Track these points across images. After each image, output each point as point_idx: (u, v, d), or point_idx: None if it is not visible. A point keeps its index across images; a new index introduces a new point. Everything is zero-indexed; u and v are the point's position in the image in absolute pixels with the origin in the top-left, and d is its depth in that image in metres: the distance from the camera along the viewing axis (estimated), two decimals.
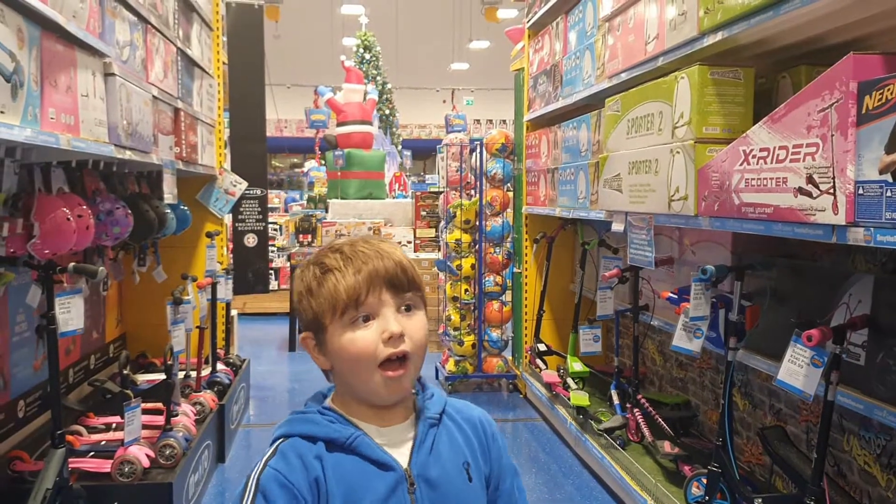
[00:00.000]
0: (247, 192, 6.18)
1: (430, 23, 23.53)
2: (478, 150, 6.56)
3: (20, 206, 3.00)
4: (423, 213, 9.34)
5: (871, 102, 2.06)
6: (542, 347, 6.08)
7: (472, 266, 6.54)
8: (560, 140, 5.25)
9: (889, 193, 1.99)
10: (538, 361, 6.02)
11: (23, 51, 2.37)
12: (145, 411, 3.99)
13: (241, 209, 6.50)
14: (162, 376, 4.06)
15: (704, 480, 3.33)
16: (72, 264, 3.11)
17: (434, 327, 7.15)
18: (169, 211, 4.44)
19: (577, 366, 5.21)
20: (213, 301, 5.16)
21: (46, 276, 3.03)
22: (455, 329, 6.63)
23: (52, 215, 3.04)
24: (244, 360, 6.02)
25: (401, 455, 1.39)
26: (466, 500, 1.42)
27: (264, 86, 6.81)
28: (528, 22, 6.13)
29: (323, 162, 12.29)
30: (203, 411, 4.55)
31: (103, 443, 3.84)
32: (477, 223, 6.57)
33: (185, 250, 5.67)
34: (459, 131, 13.62)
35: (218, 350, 5.44)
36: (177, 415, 4.10)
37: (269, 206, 13.07)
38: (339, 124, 10.66)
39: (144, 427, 3.80)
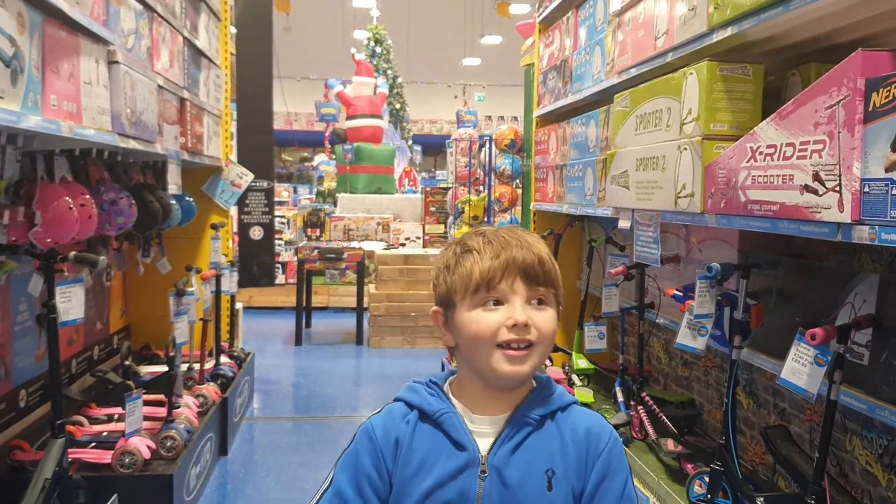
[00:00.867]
0: (253, 184, 6.17)
1: (441, 17, 23.51)
2: (487, 145, 6.54)
3: (22, 193, 2.99)
4: (433, 209, 9.33)
5: (879, 99, 2.03)
6: None
7: None
8: (569, 136, 5.22)
9: (895, 192, 1.96)
10: None
11: (23, 36, 2.36)
12: (147, 403, 3.98)
13: (247, 201, 6.49)
14: (165, 368, 4.05)
15: (707, 479, 3.31)
16: (72, 253, 3.10)
17: None
18: (174, 202, 4.44)
19: (581, 363, 5.18)
20: (218, 293, 5.16)
21: (47, 265, 3.02)
22: None
23: (55, 204, 3.04)
24: (249, 353, 6.02)
25: (484, 442, 1.43)
26: None
27: (272, 77, 6.79)
28: (538, 17, 6.10)
29: (333, 156, 12.29)
30: (206, 404, 4.55)
31: (105, 433, 3.84)
32: (485, 219, 6.54)
33: (190, 242, 5.67)
34: (471, 127, 13.61)
35: (222, 343, 5.44)
36: (179, 407, 4.10)
37: (278, 199, 13.11)
38: (349, 118, 10.67)
39: (146, 418, 3.80)
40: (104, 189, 3.67)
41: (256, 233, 6.57)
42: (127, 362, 3.92)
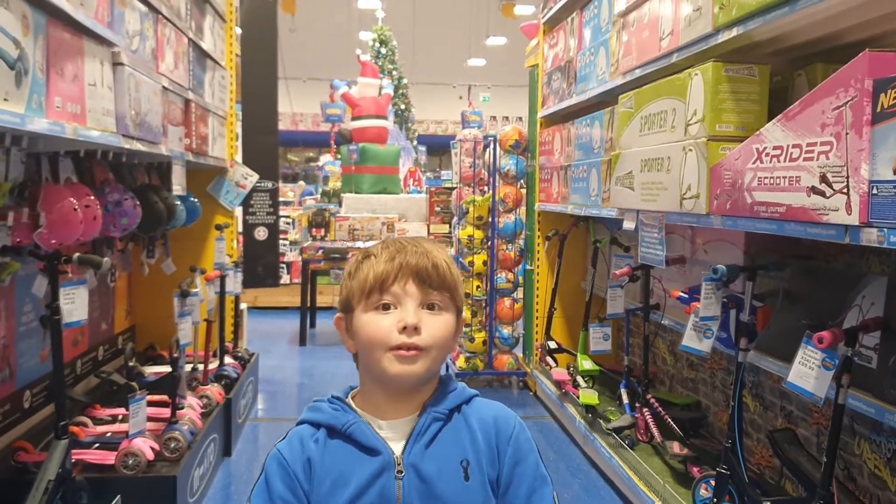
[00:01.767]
0: (258, 184, 6.16)
1: (446, 18, 23.51)
2: (491, 146, 6.52)
3: (26, 195, 2.98)
4: (437, 209, 9.32)
5: (887, 100, 2.01)
6: (552, 345, 6.05)
7: (485, 263, 6.51)
8: (573, 137, 5.21)
9: None
10: (548, 359, 5.98)
11: (28, 38, 2.35)
12: (151, 404, 3.97)
13: (252, 202, 6.48)
14: (169, 369, 4.04)
15: (713, 482, 3.29)
16: (76, 255, 3.09)
17: None
18: (178, 203, 4.43)
19: (587, 364, 5.17)
20: (222, 294, 5.15)
21: (51, 267, 3.01)
22: (466, 325, 6.60)
23: (59, 205, 3.03)
24: (253, 353, 6.01)
25: (397, 445, 1.43)
26: (459, 498, 1.42)
27: (277, 78, 6.78)
28: (543, 17, 6.09)
29: (338, 156, 12.28)
30: (209, 405, 4.54)
31: (108, 434, 3.83)
32: (489, 220, 6.53)
33: (195, 242, 5.66)
34: (476, 127, 13.60)
35: (226, 343, 5.43)
36: (182, 408, 4.09)
37: (284, 199, 13.11)
38: (354, 118, 10.65)
39: (150, 419, 3.79)
40: (109, 190, 3.66)
41: (261, 233, 6.56)
42: (131, 363, 3.91)
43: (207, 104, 5.01)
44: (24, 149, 2.83)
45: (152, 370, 5.03)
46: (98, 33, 2.99)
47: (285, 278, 10.41)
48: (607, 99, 4.59)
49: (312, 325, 8.98)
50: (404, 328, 1.40)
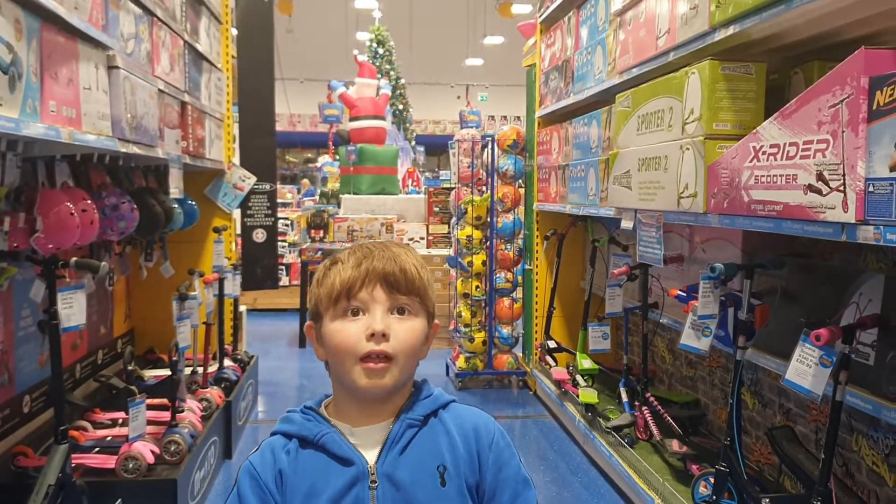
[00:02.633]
0: (256, 186, 6.16)
1: (444, 18, 23.46)
2: (489, 146, 6.52)
3: (23, 199, 2.98)
4: (436, 210, 9.31)
5: (883, 98, 2.01)
6: (552, 344, 6.04)
7: (483, 263, 6.51)
8: (571, 136, 5.21)
9: None
10: (548, 358, 5.98)
11: (21, 42, 2.35)
12: (151, 407, 3.97)
13: (250, 204, 6.47)
14: (169, 372, 4.04)
15: (712, 480, 3.29)
16: (73, 259, 3.09)
17: (445, 324, 7.11)
18: (176, 206, 4.43)
19: (586, 363, 5.16)
20: (221, 297, 5.14)
21: (49, 271, 3.01)
22: (466, 326, 6.60)
23: (56, 210, 3.03)
24: (252, 356, 6.00)
25: (370, 453, 1.41)
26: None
27: (274, 79, 6.77)
28: (540, 17, 6.09)
29: (336, 157, 12.28)
30: (209, 407, 4.54)
31: (108, 438, 3.82)
32: (488, 220, 6.53)
33: (193, 245, 5.66)
34: (474, 127, 13.58)
35: (226, 346, 5.43)
36: (182, 411, 4.08)
37: (283, 201, 13.10)
38: (352, 119, 10.64)
39: (150, 423, 3.79)
40: (106, 194, 3.66)
41: (259, 235, 6.55)
42: (130, 367, 3.91)
43: (204, 106, 5.01)
44: (19, 154, 2.83)
45: (152, 374, 5.03)
46: (92, 36, 2.98)
47: (284, 280, 10.41)
48: (605, 98, 4.59)
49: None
50: (372, 335, 1.37)
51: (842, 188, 2.16)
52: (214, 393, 4.68)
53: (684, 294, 3.56)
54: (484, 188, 6.62)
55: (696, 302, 3.26)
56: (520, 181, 6.61)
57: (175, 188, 4.18)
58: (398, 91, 16.60)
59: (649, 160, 3.52)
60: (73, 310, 3.08)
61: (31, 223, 2.96)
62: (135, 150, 3.44)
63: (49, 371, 3.15)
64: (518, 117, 23.69)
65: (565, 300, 6.19)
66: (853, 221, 2.12)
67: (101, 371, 4.83)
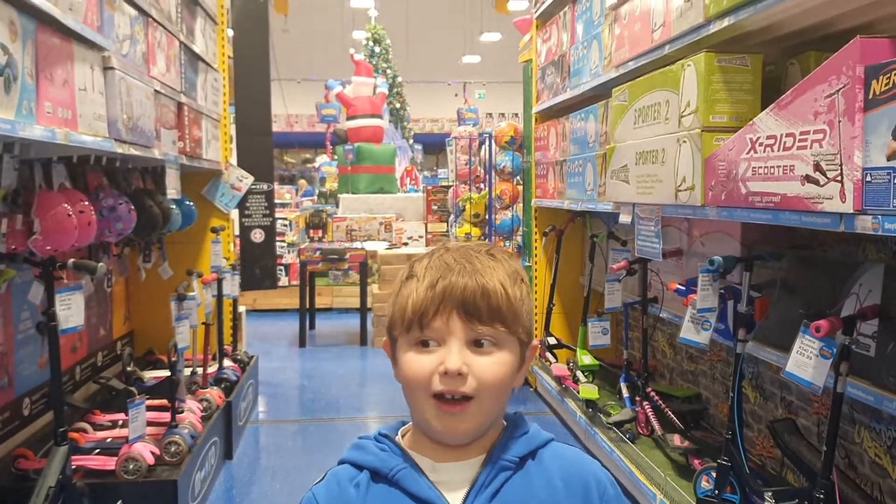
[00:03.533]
0: (253, 186, 6.15)
1: (440, 15, 23.50)
2: (487, 143, 6.52)
3: (20, 201, 2.97)
4: (435, 208, 9.32)
5: (879, 87, 2.01)
6: (551, 341, 6.04)
7: None
8: (568, 132, 5.20)
9: None
10: (548, 355, 5.98)
11: (16, 44, 2.35)
12: (151, 408, 3.97)
13: (248, 204, 6.47)
14: (168, 373, 4.04)
15: (714, 474, 3.29)
16: (71, 260, 3.09)
17: None
18: (173, 206, 4.42)
19: (586, 359, 5.16)
20: (219, 297, 5.14)
21: (47, 273, 3.00)
22: None
23: (53, 212, 3.02)
24: (252, 356, 6.00)
25: (455, 496, 1.21)
26: None
27: (270, 79, 6.77)
28: (536, 12, 6.08)
29: (334, 157, 12.29)
30: (209, 408, 4.53)
31: (108, 440, 3.82)
32: (486, 217, 6.53)
33: (191, 246, 5.65)
34: (472, 125, 13.58)
35: (225, 346, 5.43)
36: (182, 411, 4.08)
37: (281, 201, 13.11)
38: (349, 118, 10.66)
39: (149, 424, 3.79)
40: (103, 195, 3.65)
41: (258, 235, 6.55)
42: (130, 368, 3.90)
43: (200, 107, 5.01)
44: (16, 156, 2.82)
45: (151, 375, 5.02)
46: (88, 38, 2.98)
47: (283, 280, 10.40)
48: (601, 93, 4.59)
49: (312, 326, 8.97)
50: (445, 373, 1.18)
51: (839, 178, 2.16)
52: (214, 393, 4.68)
53: (683, 288, 3.55)
54: (482, 185, 6.62)
55: (696, 295, 3.25)
56: (518, 177, 6.61)
57: (172, 189, 4.18)
58: (395, 89, 16.62)
59: (646, 154, 3.52)
60: (71, 311, 3.07)
61: (28, 225, 2.95)
62: (131, 151, 3.44)
63: (49, 373, 3.14)
64: (516, 114, 23.70)
65: (565, 296, 6.19)
66: (851, 211, 2.12)
67: (101, 373, 4.83)
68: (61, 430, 3.05)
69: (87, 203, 3.24)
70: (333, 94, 11.39)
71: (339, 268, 8.44)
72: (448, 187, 8.44)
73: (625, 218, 3.93)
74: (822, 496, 2.58)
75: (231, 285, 5.45)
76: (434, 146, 23.63)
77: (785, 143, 2.44)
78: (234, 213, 6.35)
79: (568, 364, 5.49)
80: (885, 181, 1.98)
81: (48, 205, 3.02)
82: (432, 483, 1.22)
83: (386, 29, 17.22)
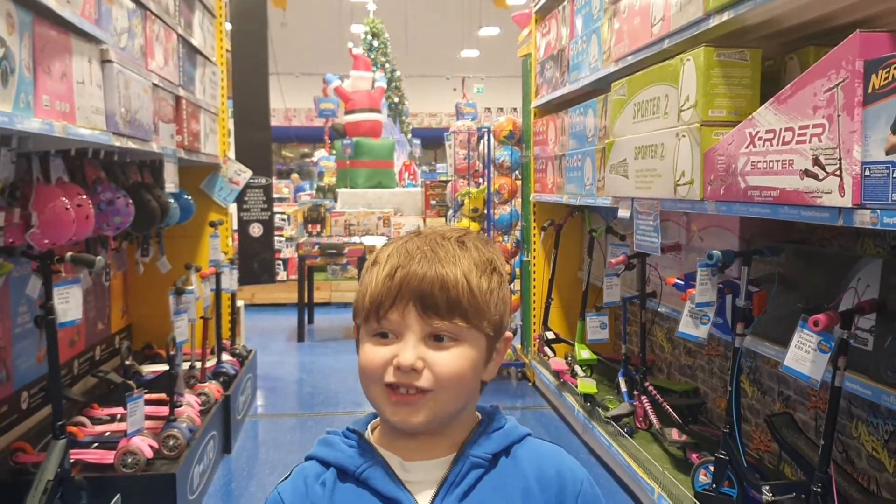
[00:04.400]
0: (251, 181, 6.14)
1: (439, 9, 23.44)
2: (485, 137, 6.51)
3: (18, 195, 2.97)
4: (433, 202, 9.31)
5: (878, 81, 2.01)
6: (550, 335, 6.04)
7: None
8: (567, 126, 5.20)
9: None
10: (546, 349, 5.98)
11: (13, 36, 2.34)
12: (149, 402, 3.97)
13: (246, 198, 6.47)
14: (166, 367, 4.04)
15: (712, 468, 3.29)
16: (69, 254, 3.08)
17: None
18: (172, 200, 4.42)
19: (584, 353, 5.16)
20: (218, 291, 5.14)
21: (45, 266, 3.00)
22: None
23: (51, 205, 3.01)
24: (251, 350, 6.00)
25: (423, 496, 1.17)
26: None
27: (268, 73, 6.76)
28: (535, 6, 6.07)
29: (332, 151, 12.28)
30: (208, 402, 4.54)
31: (107, 434, 3.82)
32: (485, 211, 6.52)
33: (189, 240, 5.65)
34: (470, 119, 13.58)
35: (224, 341, 5.42)
36: (181, 405, 4.08)
37: (279, 196, 13.10)
38: (347, 112, 10.64)
39: (148, 418, 3.79)
40: (101, 189, 3.64)
41: (256, 230, 6.56)
42: (128, 362, 3.90)
43: (199, 101, 5.00)
44: (13, 149, 2.81)
45: (150, 369, 5.02)
46: (85, 31, 2.97)
47: (282, 275, 10.41)
48: (600, 87, 4.59)
49: (310, 320, 8.97)
50: (398, 368, 1.12)
51: (838, 172, 2.16)
52: (213, 387, 4.68)
53: (682, 282, 3.55)
54: (480, 180, 6.61)
55: (694, 290, 3.26)
56: (516, 172, 6.60)
57: (170, 183, 4.17)
58: (394, 84, 16.60)
59: (645, 148, 3.52)
60: (69, 305, 3.07)
61: (26, 219, 2.95)
62: (129, 144, 3.43)
63: (47, 367, 3.14)
64: (515, 109, 23.67)
65: (563, 291, 6.19)
66: (850, 205, 2.12)
67: (99, 367, 4.82)
68: (60, 423, 3.05)
69: (84, 197, 3.23)
70: (332, 88, 11.36)
71: (337, 262, 8.43)
72: (446, 182, 8.43)
73: (623, 212, 3.93)
74: (819, 490, 2.58)
75: (229, 279, 5.44)
76: (432, 141, 23.61)
77: (784, 137, 2.44)
78: (233, 208, 6.35)
79: (566, 358, 5.49)
80: (884, 175, 1.98)
81: (46, 198, 3.01)
82: (401, 482, 1.17)
83: (384, 23, 17.18)
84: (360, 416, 1.29)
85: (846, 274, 2.83)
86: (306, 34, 22.21)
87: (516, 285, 6.70)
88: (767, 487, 3.03)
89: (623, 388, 4.54)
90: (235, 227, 6.66)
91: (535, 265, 6.32)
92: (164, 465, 3.63)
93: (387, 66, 16.32)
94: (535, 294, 6.33)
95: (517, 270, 6.66)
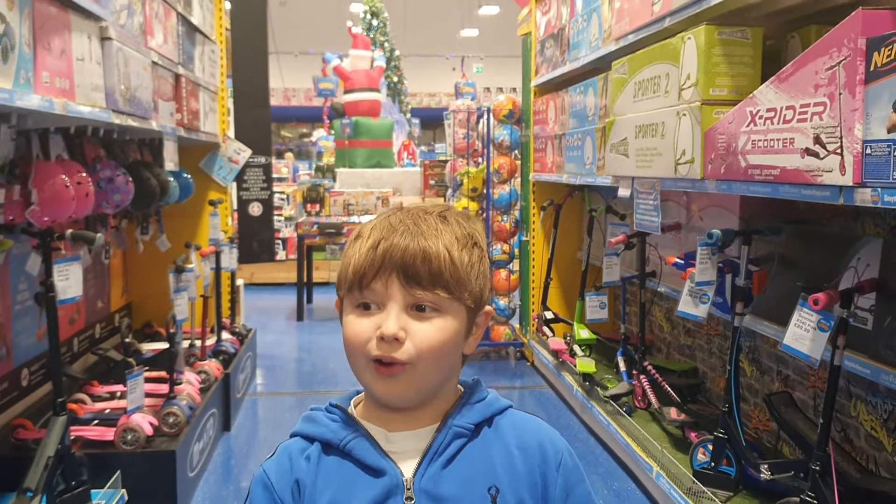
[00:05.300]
0: (251, 160, 6.13)
1: None
2: (485, 116, 6.50)
3: (18, 172, 2.96)
4: (432, 182, 9.30)
5: (880, 59, 2.00)
6: (549, 315, 6.05)
7: None
8: (567, 105, 5.19)
9: None
10: (545, 329, 5.99)
11: (13, 12, 2.33)
12: (149, 380, 3.98)
13: (246, 177, 6.45)
14: (166, 345, 4.04)
15: (710, 447, 3.31)
16: (69, 231, 3.08)
17: None
18: (171, 179, 4.41)
19: (583, 333, 5.17)
20: (218, 270, 5.14)
21: (45, 244, 3.00)
22: None
23: (51, 182, 3.01)
24: (250, 329, 6.02)
25: (407, 465, 1.19)
26: None
27: (267, 52, 6.73)
28: None
29: (331, 131, 12.25)
30: (208, 380, 4.55)
31: (107, 411, 3.83)
32: (484, 191, 6.52)
33: (189, 219, 5.64)
34: (470, 99, 13.53)
35: (224, 319, 5.43)
36: (181, 383, 4.09)
37: (278, 176, 13.07)
38: (347, 92, 10.60)
39: (148, 395, 3.80)
40: (101, 167, 3.64)
41: (255, 209, 6.54)
42: (128, 340, 3.90)
43: (198, 79, 4.98)
44: (13, 126, 2.81)
45: (149, 347, 5.03)
46: (85, 7, 2.95)
47: (281, 254, 10.41)
48: (601, 66, 4.57)
49: (309, 300, 8.98)
50: (381, 338, 1.14)
51: (839, 151, 2.15)
52: (213, 365, 4.70)
53: (682, 261, 3.56)
54: (480, 159, 6.60)
55: (694, 269, 3.26)
56: (516, 152, 6.59)
57: (170, 161, 4.16)
58: (393, 63, 16.52)
59: (646, 127, 3.51)
60: (69, 282, 3.07)
61: (26, 196, 2.94)
62: (129, 122, 3.42)
63: (47, 344, 3.15)
64: (514, 88, 23.58)
65: (562, 271, 6.20)
66: (850, 184, 2.11)
67: (99, 345, 4.83)
68: (60, 400, 3.06)
69: (84, 174, 3.23)
70: (331, 67, 11.31)
71: (336, 242, 8.42)
72: (445, 161, 8.41)
73: (624, 192, 3.93)
74: (817, 468, 2.60)
75: (229, 258, 5.45)
76: (431, 120, 23.54)
77: (785, 115, 2.44)
78: (232, 187, 6.33)
79: (565, 338, 5.51)
80: (885, 154, 1.98)
81: (45, 175, 3.01)
82: (385, 452, 1.19)
83: (384, 2, 17.10)
84: None
85: (846, 253, 2.83)
86: (306, 13, 22.10)
87: (515, 265, 6.70)
88: (766, 466, 3.04)
89: (622, 367, 4.56)
90: (235, 206, 6.64)
91: (534, 245, 6.32)
92: (163, 443, 3.65)
93: (386, 45, 16.24)
94: (534, 274, 6.33)
95: (516, 251, 6.66)
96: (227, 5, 6.28)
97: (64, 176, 3.06)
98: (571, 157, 5.04)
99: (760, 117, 2.58)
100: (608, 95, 4.22)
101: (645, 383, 4.24)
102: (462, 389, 1.28)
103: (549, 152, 5.68)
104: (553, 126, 5.57)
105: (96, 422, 3.72)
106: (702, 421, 3.78)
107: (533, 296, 6.39)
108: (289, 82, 22.87)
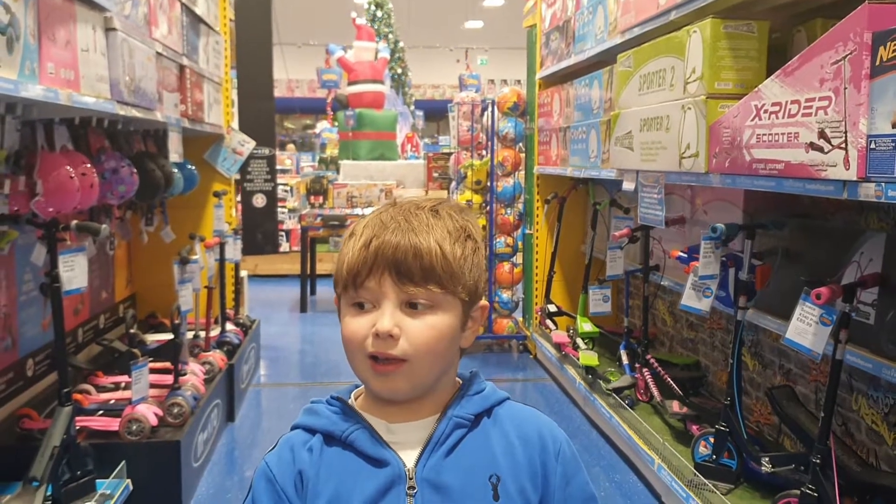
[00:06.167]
0: (255, 151, 6.14)
1: None
2: (489, 109, 6.49)
3: (23, 163, 2.97)
4: (436, 175, 9.29)
5: (886, 53, 2.00)
6: (552, 308, 6.06)
7: (483, 227, 6.50)
8: (572, 98, 5.18)
9: None
10: (548, 322, 6.00)
11: (18, 3, 2.33)
12: (154, 371, 3.99)
13: (249, 169, 6.45)
14: (171, 336, 4.06)
15: (712, 439, 3.32)
16: (74, 222, 3.09)
17: None
18: (176, 170, 4.41)
19: (586, 326, 5.18)
20: (222, 261, 5.15)
21: (50, 234, 3.01)
22: None
23: (56, 173, 3.02)
24: (254, 320, 6.03)
25: (409, 455, 1.21)
26: None
27: (271, 43, 6.72)
28: None
29: (335, 123, 12.23)
30: (212, 371, 4.56)
31: (112, 401, 3.85)
32: (488, 184, 6.52)
33: (193, 210, 5.65)
34: (474, 91, 13.51)
35: (228, 310, 5.44)
36: (185, 374, 4.11)
37: (282, 167, 13.07)
38: (350, 83, 10.58)
39: (153, 386, 3.81)
40: (105, 158, 3.64)
41: (259, 200, 6.55)
42: (132, 330, 3.91)
43: (202, 70, 4.98)
44: (18, 116, 2.81)
45: (154, 338, 5.05)
46: None
47: (285, 246, 10.42)
48: (606, 59, 4.57)
49: (313, 292, 9.00)
50: (376, 335, 1.16)
51: (843, 145, 2.15)
52: (217, 356, 4.71)
53: (685, 255, 3.56)
54: (484, 152, 6.60)
55: (697, 263, 3.26)
56: (520, 144, 6.58)
57: (174, 152, 4.17)
58: (397, 55, 16.51)
59: (651, 120, 3.51)
60: (74, 273, 3.08)
61: (31, 187, 2.95)
62: (133, 113, 3.43)
63: (52, 335, 3.16)
64: (519, 81, 23.51)
65: (566, 264, 6.20)
66: (855, 179, 2.12)
67: (104, 335, 4.85)
68: (65, 390, 3.07)
69: (89, 165, 3.24)
70: (335, 58, 11.29)
71: (339, 234, 8.42)
72: (449, 154, 8.40)
73: (628, 185, 3.93)
74: (818, 462, 2.60)
75: (233, 250, 5.45)
76: (435, 113, 23.52)
77: (790, 109, 2.44)
78: (236, 178, 6.34)
79: (568, 331, 5.51)
80: (890, 148, 1.98)
81: (50, 166, 3.02)
82: (386, 443, 1.21)
83: None
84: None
85: (849, 248, 2.83)
86: (309, 4, 22.05)
87: (518, 258, 6.70)
88: (767, 459, 3.05)
89: (625, 360, 4.57)
90: (239, 197, 6.64)
91: (537, 238, 6.32)
92: (168, 433, 3.66)
93: (390, 36, 16.22)
94: (537, 267, 6.34)
95: (519, 244, 6.66)
96: None
97: (69, 167, 3.07)
98: (576, 150, 5.03)
99: (765, 111, 2.58)
100: (613, 88, 4.22)
101: (647, 376, 4.25)
102: (460, 382, 1.30)
103: (553, 145, 5.67)
104: (558, 119, 5.56)
105: (101, 412, 3.74)
106: (704, 414, 3.79)
107: (536, 289, 6.39)
108: (292, 73, 22.87)
